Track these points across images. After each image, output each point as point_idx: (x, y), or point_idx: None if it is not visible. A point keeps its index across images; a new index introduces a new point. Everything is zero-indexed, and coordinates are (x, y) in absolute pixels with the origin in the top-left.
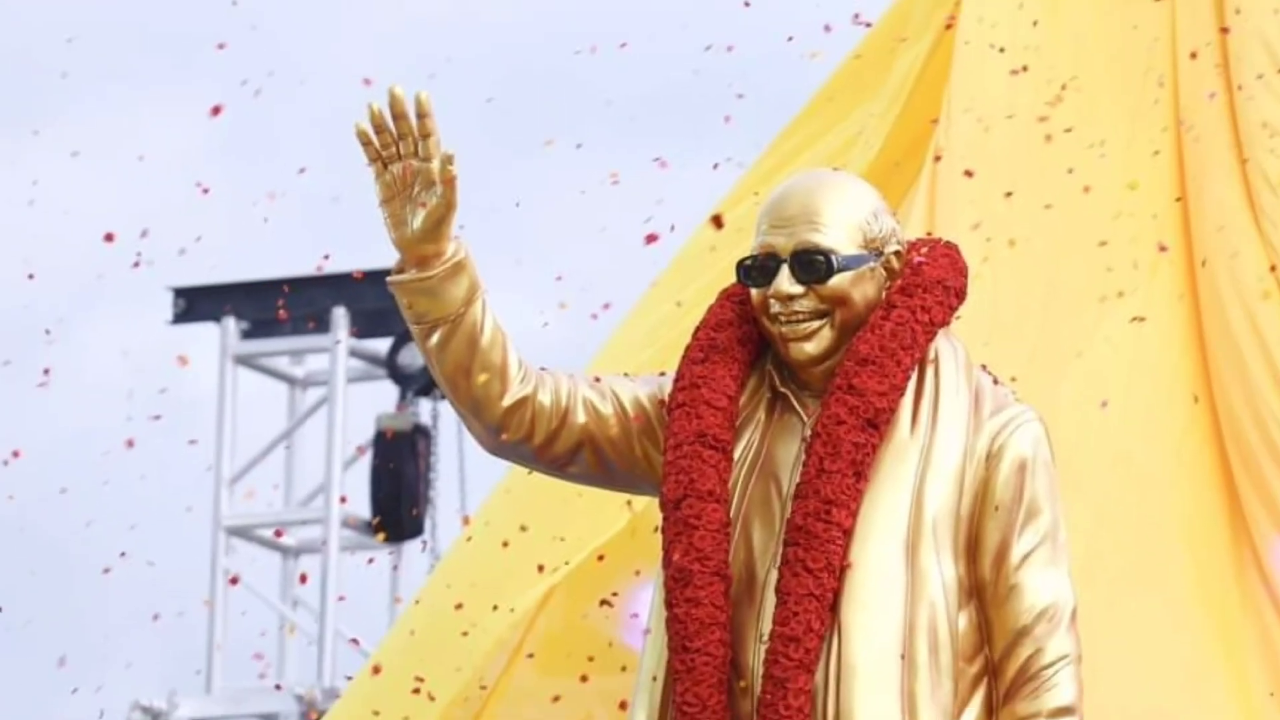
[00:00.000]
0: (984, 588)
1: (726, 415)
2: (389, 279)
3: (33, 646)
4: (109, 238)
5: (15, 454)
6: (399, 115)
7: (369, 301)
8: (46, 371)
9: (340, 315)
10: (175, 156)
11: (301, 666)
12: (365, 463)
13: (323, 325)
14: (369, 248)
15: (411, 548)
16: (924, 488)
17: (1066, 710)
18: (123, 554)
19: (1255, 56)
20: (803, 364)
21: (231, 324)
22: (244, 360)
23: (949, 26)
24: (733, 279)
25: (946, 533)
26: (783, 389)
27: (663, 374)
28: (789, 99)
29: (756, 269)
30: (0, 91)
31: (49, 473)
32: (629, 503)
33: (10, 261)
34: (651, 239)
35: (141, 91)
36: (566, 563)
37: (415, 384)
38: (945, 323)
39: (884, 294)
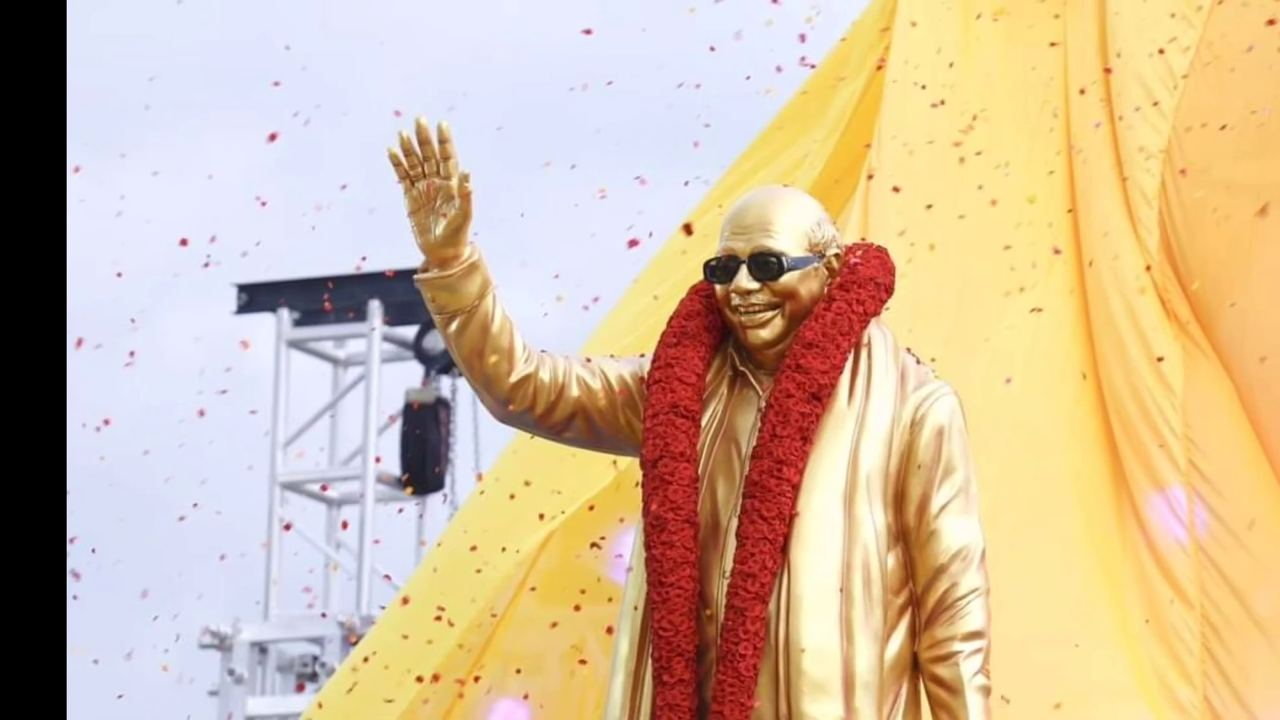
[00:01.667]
0: (909, 532)
1: (695, 389)
2: (415, 276)
3: (120, 582)
4: (183, 242)
5: (106, 422)
6: (424, 141)
7: (399, 295)
8: (132, 353)
9: (375, 307)
10: (238, 175)
11: (343, 598)
12: (396, 429)
13: (361, 315)
14: (400, 250)
15: (434, 500)
16: (859, 450)
17: (977, 634)
18: (195, 505)
19: (1133, 92)
20: (758, 347)
21: (285, 314)
22: (295, 344)
23: (879, 68)
24: (701, 277)
25: (878, 487)
26: (742, 368)
27: (643, 355)
28: (747, 128)
29: (720, 268)
30: (93, 122)
31: (134, 437)
32: (615, 462)
33: (102, 263)
34: (633, 244)
35: (211, 121)
36: (563, 512)
37: (437, 364)
38: (876, 313)
39: (826, 289)
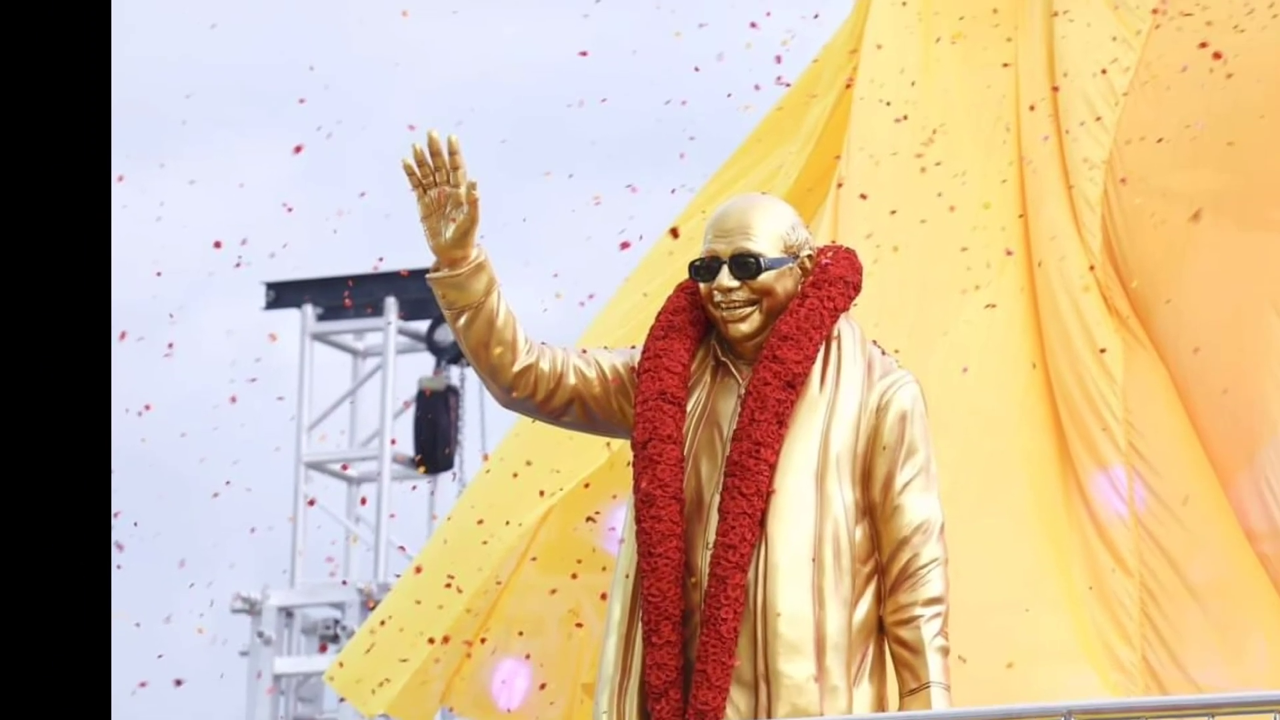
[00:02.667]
0: (874, 508)
1: (681, 378)
2: (427, 275)
3: (160, 552)
4: (217, 245)
5: (147, 407)
6: (435, 152)
7: (413, 293)
8: (170, 345)
9: (391, 303)
10: (267, 183)
11: (362, 567)
12: (410, 414)
13: (378, 310)
14: (414, 252)
15: (444, 478)
16: (830, 433)
17: (936, 600)
18: (228, 482)
19: (1078, 108)
20: (738, 340)
21: (309, 310)
22: (319, 337)
23: (848, 86)
24: (686, 276)
25: (846, 466)
26: (724, 359)
27: (633, 347)
28: (729, 141)
29: (704, 268)
30: (135, 135)
31: (172, 421)
32: (608, 444)
33: (142, 263)
34: (625, 246)
35: (242, 135)
36: (561, 489)
37: (448, 355)
38: (845, 309)
39: (800, 287)
